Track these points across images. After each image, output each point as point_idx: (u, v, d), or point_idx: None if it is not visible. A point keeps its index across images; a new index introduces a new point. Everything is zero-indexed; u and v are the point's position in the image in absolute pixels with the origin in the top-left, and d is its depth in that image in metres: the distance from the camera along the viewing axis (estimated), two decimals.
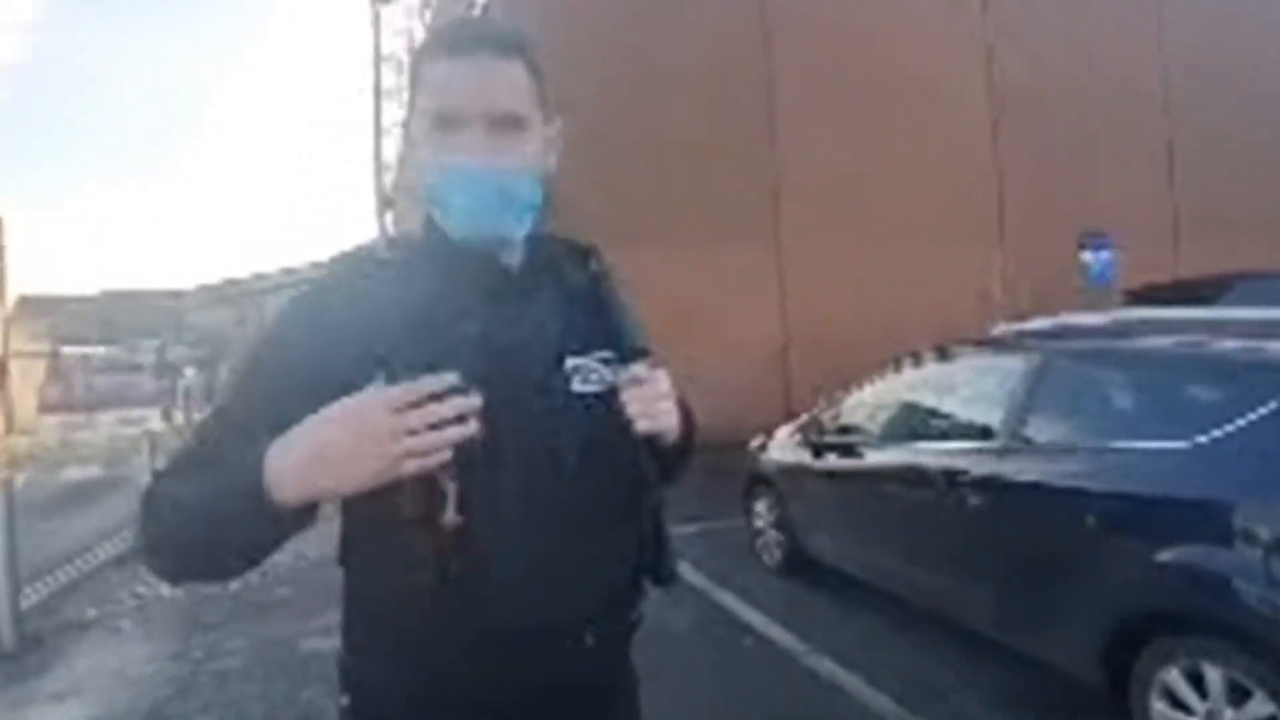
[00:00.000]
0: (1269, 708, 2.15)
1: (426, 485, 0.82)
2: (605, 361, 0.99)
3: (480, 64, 0.92)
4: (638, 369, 0.98)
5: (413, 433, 0.78)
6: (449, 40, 0.95)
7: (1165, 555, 2.40)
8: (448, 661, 0.93)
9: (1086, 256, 10.07)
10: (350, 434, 0.78)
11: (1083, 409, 2.98)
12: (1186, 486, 2.44)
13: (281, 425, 0.81)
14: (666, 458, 1.03)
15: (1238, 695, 2.23)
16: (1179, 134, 12.48)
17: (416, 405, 0.79)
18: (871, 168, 10.54)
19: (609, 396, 0.97)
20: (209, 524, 0.82)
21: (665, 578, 1.04)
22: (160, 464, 0.95)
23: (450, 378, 0.81)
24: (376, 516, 0.86)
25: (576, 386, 0.97)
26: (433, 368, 0.81)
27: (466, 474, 0.84)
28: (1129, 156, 12.00)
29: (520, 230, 0.98)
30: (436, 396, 0.79)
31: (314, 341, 0.90)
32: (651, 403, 0.97)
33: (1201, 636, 2.34)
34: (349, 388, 0.82)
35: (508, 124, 0.93)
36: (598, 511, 0.97)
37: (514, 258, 1.00)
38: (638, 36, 9.83)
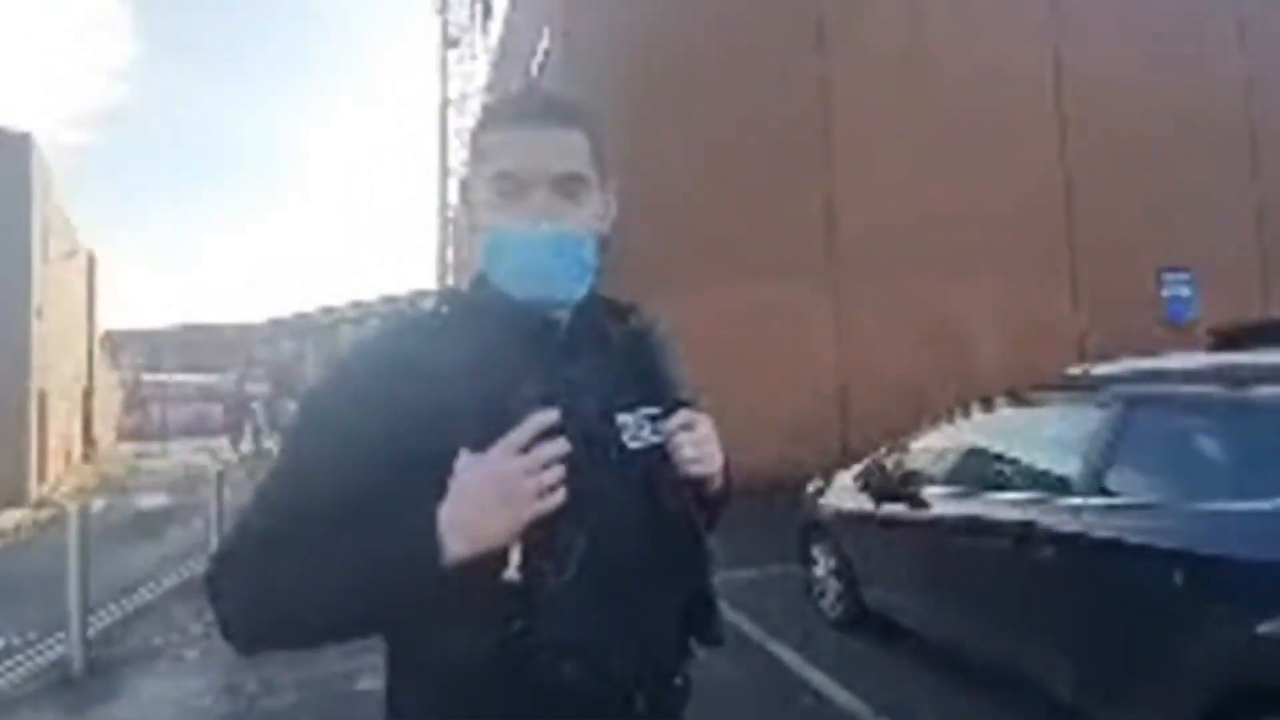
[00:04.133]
0: None
1: (533, 538, 0.85)
2: (653, 418, 1.00)
3: (543, 130, 0.96)
4: (686, 415, 1.00)
5: (535, 473, 0.83)
6: (512, 110, 0.99)
7: (1267, 625, 2.20)
8: None
9: (1165, 294, 9.62)
10: (489, 485, 0.83)
11: (1169, 461, 2.79)
12: None
13: (362, 501, 0.85)
14: (710, 505, 1.04)
15: None
16: (1266, 163, 11.87)
17: (531, 446, 0.83)
18: (932, 200, 10.32)
19: (659, 451, 0.98)
20: (360, 597, 0.84)
21: (713, 639, 1.03)
22: (234, 524, 0.95)
23: (551, 415, 0.85)
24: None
25: (629, 443, 0.98)
26: (499, 426, 0.84)
27: (529, 532, 0.85)
28: (1211, 186, 11.40)
29: (579, 291, 1.00)
30: (544, 436, 0.84)
31: (380, 410, 0.89)
32: (702, 446, 0.99)
33: None
34: (423, 457, 0.85)
35: (569, 185, 0.96)
36: (650, 569, 0.96)
37: (563, 317, 1.01)
38: (694, 75, 9.93)
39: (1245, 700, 2.26)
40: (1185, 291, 9.61)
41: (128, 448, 25.95)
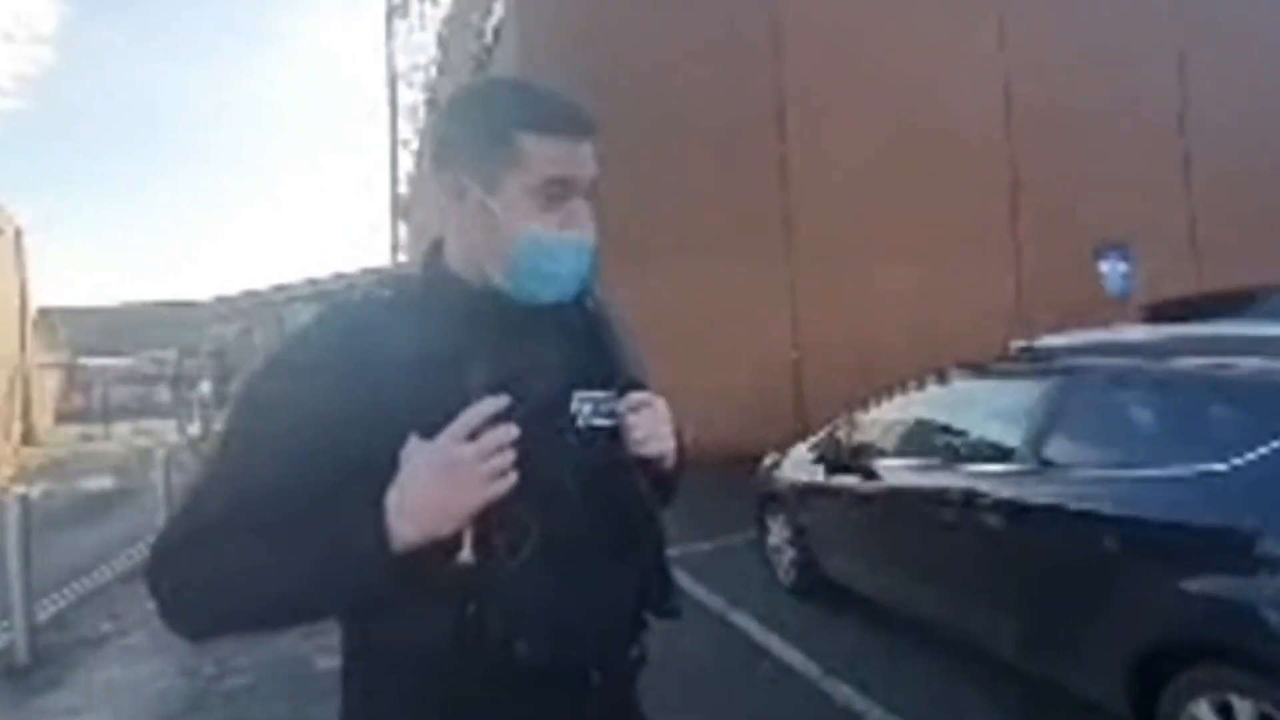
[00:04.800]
0: None
1: (481, 523, 0.85)
2: (607, 398, 1.02)
3: (581, 141, 0.99)
4: (639, 395, 1.02)
5: (485, 457, 0.83)
6: (552, 121, 0.98)
7: (1192, 584, 2.34)
8: (454, 705, 0.91)
9: (1104, 268, 9.96)
10: (440, 472, 0.82)
11: (1104, 430, 2.93)
12: (1214, 512, 2.38)
13: (310, 488, 0.85)
14: (663, 483, 1.06)
15: None
16: (1196, 146, 12.36)
17: (480, 431, 0.83)
18: (885, 183, 10.48)
19: (614, 431, 1.00)
20: (311, 587, 0.85)
21: (668, 611, 1.06)
22: (172, 515, 0.94)
23: (501, 400, 0.85)
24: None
25: (583, 422, 0.99)
26: (449, 415, 0.84)
27: (481, 515, 0.85)
28: (1146, 169, 11.88)
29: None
30: (492, 422, 0.84)
31: (327, 395, 0.88)
32: (655, 427, 1.01)
33: (1230, 668, 2.28)
34: (371, 442, 0.85)
35: (594, 190, 1.00)
36: (605, 546, 0.98)
37: (521, 300, 1.01)
38: (650, 53, 9.86)
39: (1172, 654, 2.41)
40: (1122, 267, 9.95)
41: (69, 430, 25.06)
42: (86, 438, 22.77)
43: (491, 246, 0.97)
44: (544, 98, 0.99)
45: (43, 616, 5.14)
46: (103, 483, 13.64)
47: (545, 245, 0.96)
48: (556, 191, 0.96)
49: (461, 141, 0.99)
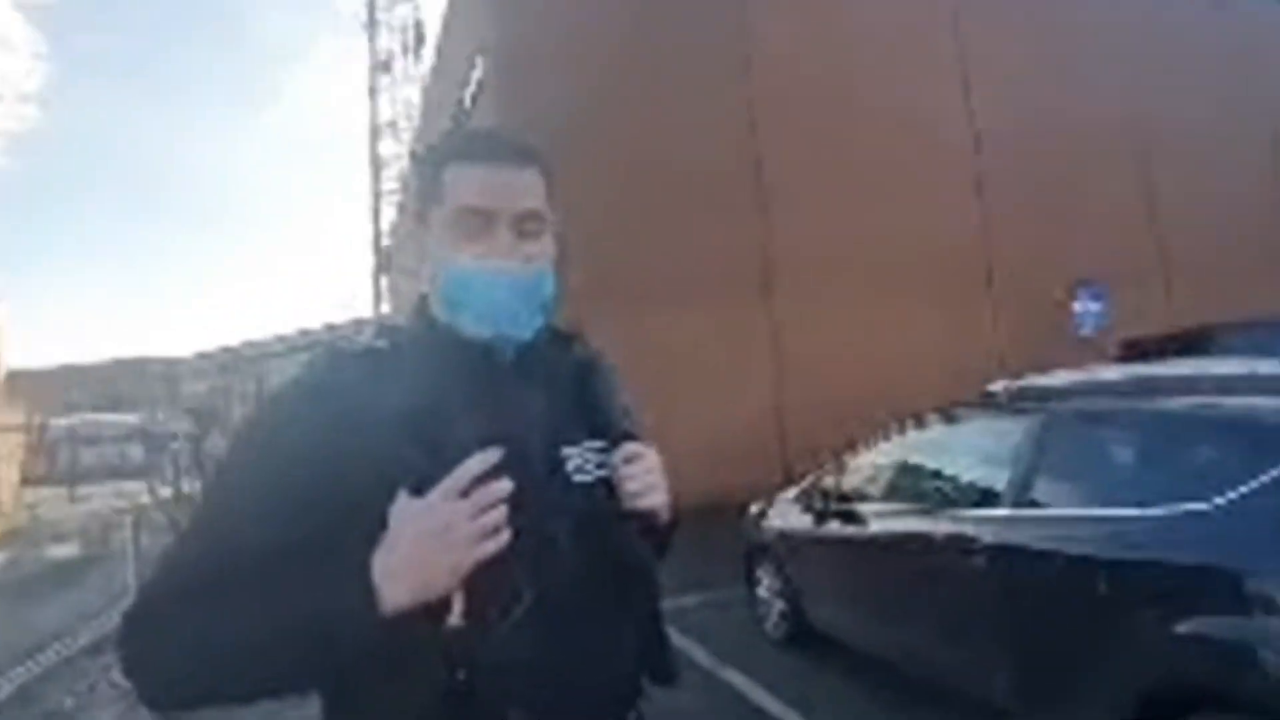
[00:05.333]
0: None
1: (477, 581, 0.82)
2: (599, 450, 0.99)
3: (506, 169, 0.97)
4: (631, 447, 0.98)
5: (476, 515, 0.81)
6: (471, 149, 0.99)
7: (1184, 626, 2.30)
8: None
9: (1078, 308, 10.14)
10: (430, 532, 0.79)
11: (1089, 471, 2.92)
12: (1203, 552, 2.36)
13: (296, 547, 0.81)
14: (657, 538, 1.03)
15: None
16: (1160, 180, 12.77)
17: (469, 490, 0.81)
18: (860, 228, 10.71)
19: (605, 485, 0.97)
20: (294, 649, 0.79)
21: (665, 677, 1.02)
22: (147, 579, 0.89)
23: (493, 455, 0.82)
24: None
25: (574, 478, 0.96)
26: (439, 466, 0.82)
27: (472, 576, 0.82)
28: (1115, 207, 12.27)
29: (536, 326, 0.99)
30: (484, 478, 0.81)
31: (314, 452, 0.85)
32: (648, 478, 0.98)
33: (1225, 712, 2.23)
34: (360, 498, 0.82)
35: (530, 221, 0.97)
36: (597, 604, 0.94)
37: (507, 349, 0.99)
38: (628, 104, 10.09)
39: (1170, 698, 2.36)
40: (1095, 305, 10.16)
41: (34, 495, 24.33)
42: (51, 502, 22.12)
43: (431, 283, 0.98)
44: (473, 132, 1.02)
45: (3, 692, 4.90)
46: (68, 550, 13.19)
47: (456, 274, 0.95)
48: (476, 223, 0.94)
49: (415, 187, 1.02)
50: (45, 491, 24.55)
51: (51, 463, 32.88)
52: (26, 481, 29.45)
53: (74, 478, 25.16)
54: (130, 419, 35.52)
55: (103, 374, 44.03)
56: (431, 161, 1.00)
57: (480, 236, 0.94)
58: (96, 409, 37.10)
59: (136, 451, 32.00)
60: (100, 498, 21.83)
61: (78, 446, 33.64)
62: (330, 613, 0.79)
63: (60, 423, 35.44)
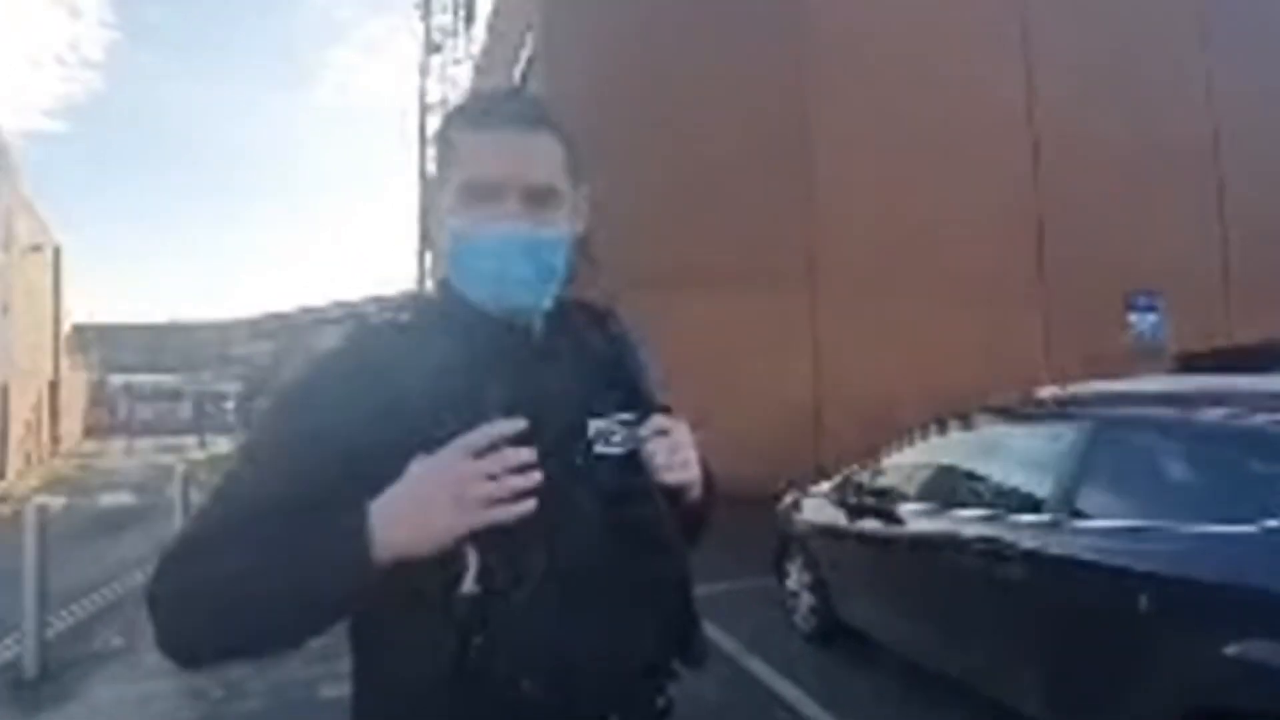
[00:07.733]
0: None
1: (455, 555, 0.82)
2: (626, 424, 0.97)
3: (515, 136, 0.94)
4: (660, 420, 0.97)
5: (492, 478, 0.80)
6: (482, 113, 0.97)
7: (1232, 648, 2.23)
8: None
9: (1133, 318, 9.80)
10: (443, 486, 0.79)
11: (1138, 483, 2.83)
12: (1254, 572, 2.28)
13: (316, 503, 0.81)
14: (689, 517, 1.01)
15: None
16: (1230, 189, 12.18)
17: (488, 451, 0.80)
18: (910, 224, 10.46)
19: (633, 458, 0.95)
20: (294, 591, 0.79)
21: (695, 658, 1.00)
22: (184, 525, 0.92)
23: (520, 423, 0.81)
24: (392, 592, 0.82)
25: (600, 449, 0.95)
26: (450, 440, 0.81)
27: (488, 543, 0.81)
28: (1178, 213, 11.70)
29: (547, 299, 0.98)
30: (510, 441, 0.80)
31: (342, 414, 0.87)
32: (677, 453, 0.96)
33: None
34: (382, 462, 0.81)
35: (543, 195, 0.94)
36: (623, 582, 0.92)
37: (535, 322, 0.99)
38: (675, 83, 10.00)
39: None
40: (1153, 316, 9.80)
41: (93, 445, 25.39)
42: (110, 453, 23.05)
43: (448, 253, 0.97)
44: (486, 94, 0.98)
45: (54, 631, 5.15)
46: (122, 498, 13.76)
47: (465, 238, 0.94)
48: (484, 192, 0.92)
49: (435, 154, 1.00)
50: (103, 443, 25.58)
51: (111, 416, 34.26)
52: (88, 432, 30.79)
53: (131, 431, 26.16)
54: (181, 379, 36.83)
55: (156, 335, 45.63)
56: (444, 125, 0.99)
57: (487, 204, 0.92)
58: (151, 369, 38.52)
59: (186, 409, 33.14)
60: (154, 451, 22.68)
61: (134, 402, 34.95)
62: (321, 553, 0.79)
63: (119, 379, 36.87)
